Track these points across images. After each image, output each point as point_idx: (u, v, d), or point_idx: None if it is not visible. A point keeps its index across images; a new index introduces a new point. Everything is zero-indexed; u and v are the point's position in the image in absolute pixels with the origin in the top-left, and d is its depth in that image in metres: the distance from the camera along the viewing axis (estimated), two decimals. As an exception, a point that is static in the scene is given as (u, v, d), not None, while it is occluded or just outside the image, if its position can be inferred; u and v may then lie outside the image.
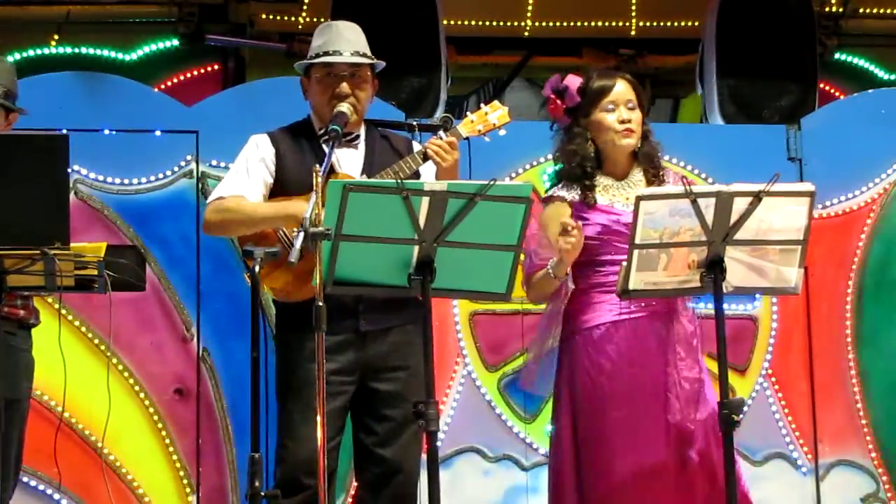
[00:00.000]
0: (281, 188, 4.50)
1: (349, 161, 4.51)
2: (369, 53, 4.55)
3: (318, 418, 3.78)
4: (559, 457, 4.33)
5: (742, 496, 4.18)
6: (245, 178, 4.49)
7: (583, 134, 4.39)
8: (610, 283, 4.19)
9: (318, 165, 4.00)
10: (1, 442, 4.01)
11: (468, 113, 4.60)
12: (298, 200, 4.35)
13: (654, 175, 4.41)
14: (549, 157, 6.04)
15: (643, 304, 4.26)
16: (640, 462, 4.18)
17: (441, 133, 4.46)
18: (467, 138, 4.54)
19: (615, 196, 4.36)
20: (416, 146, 4.61)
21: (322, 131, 4.51)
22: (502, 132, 4.61)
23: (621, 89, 4.40)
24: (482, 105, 4.64)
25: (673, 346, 4.27)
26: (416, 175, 4.45)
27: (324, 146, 4.48)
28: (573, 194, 4.37)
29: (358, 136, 4.56)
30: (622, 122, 4.37)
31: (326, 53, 4.49)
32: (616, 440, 4.20)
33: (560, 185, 4.43)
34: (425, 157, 4.41)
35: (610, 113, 4.37)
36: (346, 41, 4.51)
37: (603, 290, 4.28)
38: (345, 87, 4.47)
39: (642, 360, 4.25)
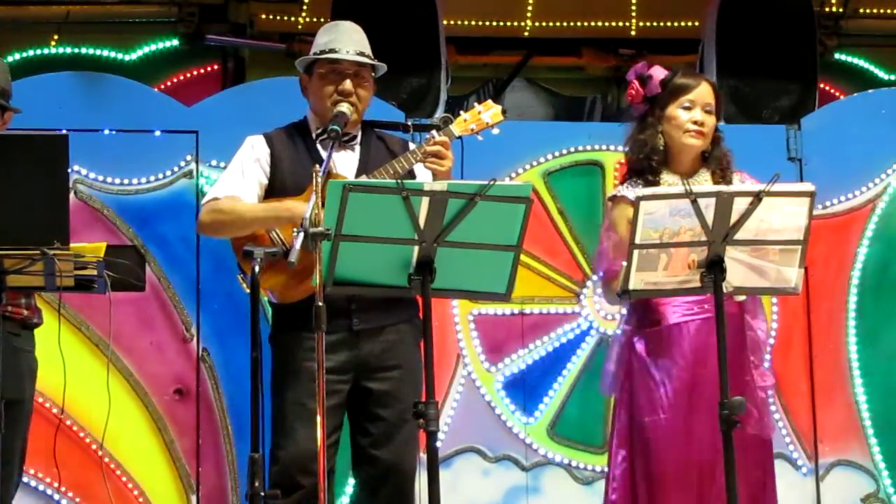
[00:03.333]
0: (276, 189, 4.49)
1: (345, 163, 4.51)
2: (371, 55, 4.55)
3: (318, 418, 3.78)
4: (616, 456, 4.34)
5: None
6: (240, 179, 4.49)
7: (655, 125, 4.41)
8: None
9: (317, 165, 4.00)
10: (1, 442, 4.00)
11: (461, 112, 4.59)
12: (292, 201, 4.35)
13: (722, 177, 4.40)
14: (549, 157, 6.14)
15: (706, 307, 4.23)
16: (697, 461, 4.19)
17: (434, 133, 4.45)
18: (460, 137, 4.54)
19: None
20: (413, 147, 4.61)
21: (320, 131, 4.51)
22: (496, 131, 4.60)
23: (703, 91, 4.41)
24: (476, 104, 4.63)
25: (747, 353, 4.28)
26: (411, 173, 4.45)
27: (319, 146, 4.49)
28: (636, 193, 4.34)
29: (355, 138, 4.56)
30: (695, 122, 4.38)
31: (333, 51, 4.49)
32: (671, 439, 4.20)
33: (626, 183, 4.43)
34: (420, 157, 4.40)
35: (686, 111, 4.39)
36: (351, 41, 4.52)
37: None
38: (348, 84, 4.47)
39: (711, 361, 4.22)
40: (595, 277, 4.40)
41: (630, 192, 4.35)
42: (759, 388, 4.28)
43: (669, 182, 4.37)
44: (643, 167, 4.39)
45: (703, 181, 4.39)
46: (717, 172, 4.42)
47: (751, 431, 4.19)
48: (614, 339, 4.50)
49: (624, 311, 4.51)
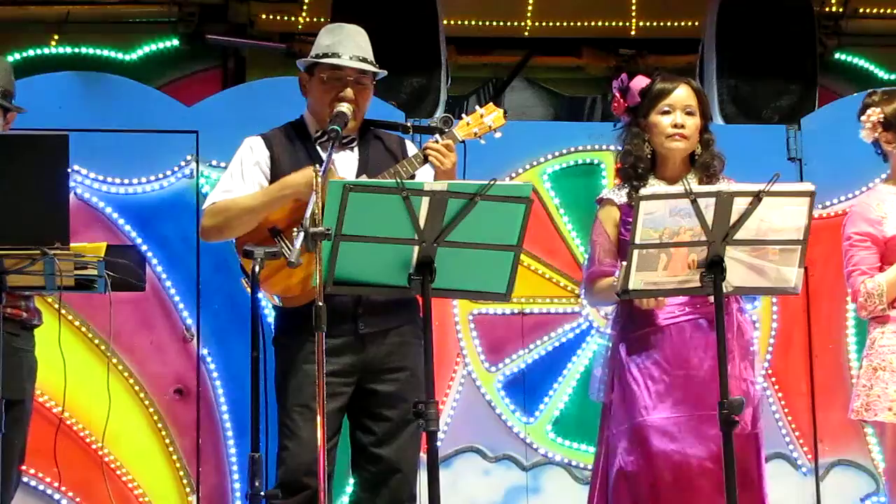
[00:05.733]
0: None
1: (345, 163, 4.51)
2: (373, 61, 4.55)
3: (319, 419, 3.78)
4: (608, 462, 4.35)
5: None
6: (240, 182, 4.48)
7: (639, 135, 4.46)
8: None
9: (317, 165, 3.99)
10: (1, 443, 4.00)
11: (464, 115, 4.61)
12: (287, 177, 4.35)
13: (708, 183, 4.41)
14: (549, 157, 6.15)
15: (687, 309, 4.26)
16: (691, 463, 4.20)
17: (437, 136, 4.47)
18: (463, 141, 4.55)
19: None
20: (409, 144, 4.62)
21: (319, 133, 4.51)
22: (498, 134, 4.62)
23: (681, 94, 4.45)
24: (477, 107, 4.65)
25: (736, 356, 4.28)
26: (413, 178, 4.45)
27: (318, 147, 4.49)
28: (622, 197, 4.41)
29: (354, 139, 4.56)
30: (675, 126, 4.40)
31: (336, 55, 4.49)
32: (662, 444, 4.21)
33: (616, 186, 4.51)
34: (424, 160, 4.42)
35: (665, 116, 4.42)
36: (355, 45, 4.51)
37: None
38: (349, 91, 4.46)
39: (698, 364, 4.25)
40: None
41: (615, 195, 4.47)
42: (751, 383, 4.31)
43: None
44: (629, 175, 4.45)
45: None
46: (704, 179, 4.44)
47: (748, 430, 4.20)
48: (605, 345, 4.54)
49: (611, 314, 4.54)
